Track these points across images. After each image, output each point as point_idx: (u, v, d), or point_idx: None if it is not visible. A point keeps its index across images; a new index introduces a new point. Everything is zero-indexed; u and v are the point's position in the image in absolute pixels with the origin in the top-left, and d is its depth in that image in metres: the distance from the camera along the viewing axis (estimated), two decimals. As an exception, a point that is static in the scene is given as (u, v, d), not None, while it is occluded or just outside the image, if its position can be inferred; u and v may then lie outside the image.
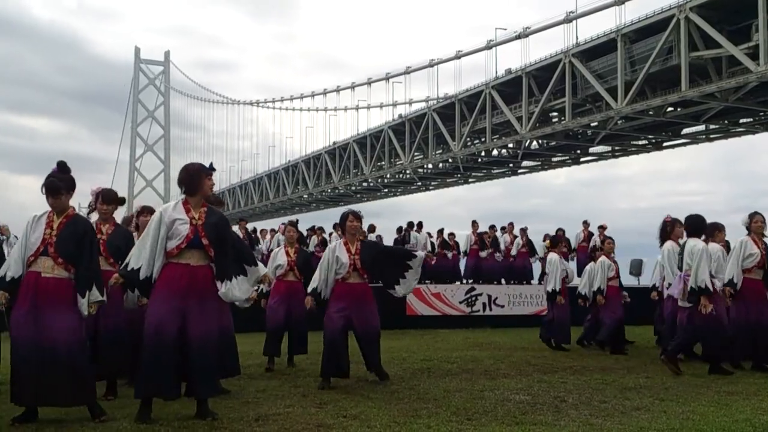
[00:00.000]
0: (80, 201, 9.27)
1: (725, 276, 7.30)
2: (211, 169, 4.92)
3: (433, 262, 15.22)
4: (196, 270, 4.66)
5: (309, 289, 6.35)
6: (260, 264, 5.24)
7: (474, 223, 16.07)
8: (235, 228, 13.11)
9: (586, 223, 16.18)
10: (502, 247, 15.74)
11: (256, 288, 5.57)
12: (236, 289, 4.84)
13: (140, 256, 4.63)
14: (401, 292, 6.47)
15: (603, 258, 9.57)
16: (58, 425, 4.37)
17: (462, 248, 15.91)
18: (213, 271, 4.75)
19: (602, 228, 14.75)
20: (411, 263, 6.38)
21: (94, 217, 5.67)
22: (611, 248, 9.71)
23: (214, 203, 5.15)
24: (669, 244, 7.74)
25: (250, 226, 17.21)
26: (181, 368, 4.55)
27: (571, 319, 9.76)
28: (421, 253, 6.56)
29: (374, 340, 6.36)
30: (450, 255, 15.74)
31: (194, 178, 4.77)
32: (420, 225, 16.07)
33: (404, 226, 16.07)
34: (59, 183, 4.59)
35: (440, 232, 16.25)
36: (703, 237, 7.31)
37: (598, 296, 9.36)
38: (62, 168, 4.68)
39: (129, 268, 4.63)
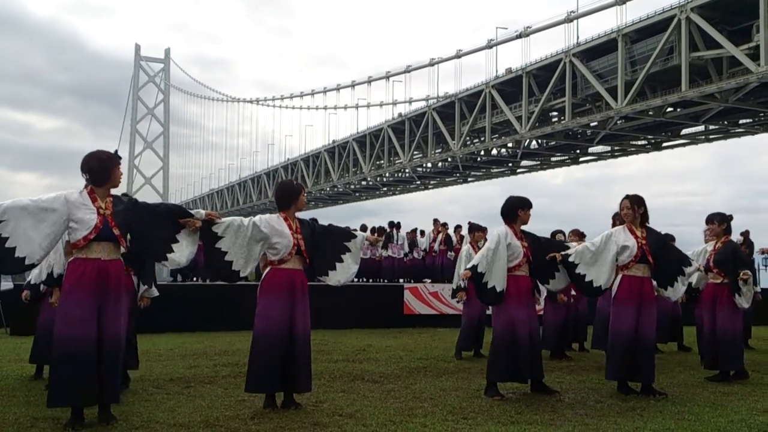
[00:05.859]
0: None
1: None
2: (117, 157, 4.47)
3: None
4: (108, 265, 4.26)
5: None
6: (196, 211, 4.76)
7: (436, 222, 16.21)
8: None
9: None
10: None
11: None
12: (183, 251, 4.52)
13: (33, 244, 4.11)
14: (335, 279, 5.19)
15: None
16: (53, 422, 4.36)
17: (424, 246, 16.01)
18: (124, 265, 4.49)
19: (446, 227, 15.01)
20: (350, 245, 5.26)
21: None
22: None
23: None
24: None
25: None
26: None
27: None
28: (361, 234, 5.42)
29: (307, 349, 4.99)
30: None
31: (105, 166, 4.32)
32: (398, 225, 16.16)
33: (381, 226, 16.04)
34: None
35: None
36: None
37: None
38: None
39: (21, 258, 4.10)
